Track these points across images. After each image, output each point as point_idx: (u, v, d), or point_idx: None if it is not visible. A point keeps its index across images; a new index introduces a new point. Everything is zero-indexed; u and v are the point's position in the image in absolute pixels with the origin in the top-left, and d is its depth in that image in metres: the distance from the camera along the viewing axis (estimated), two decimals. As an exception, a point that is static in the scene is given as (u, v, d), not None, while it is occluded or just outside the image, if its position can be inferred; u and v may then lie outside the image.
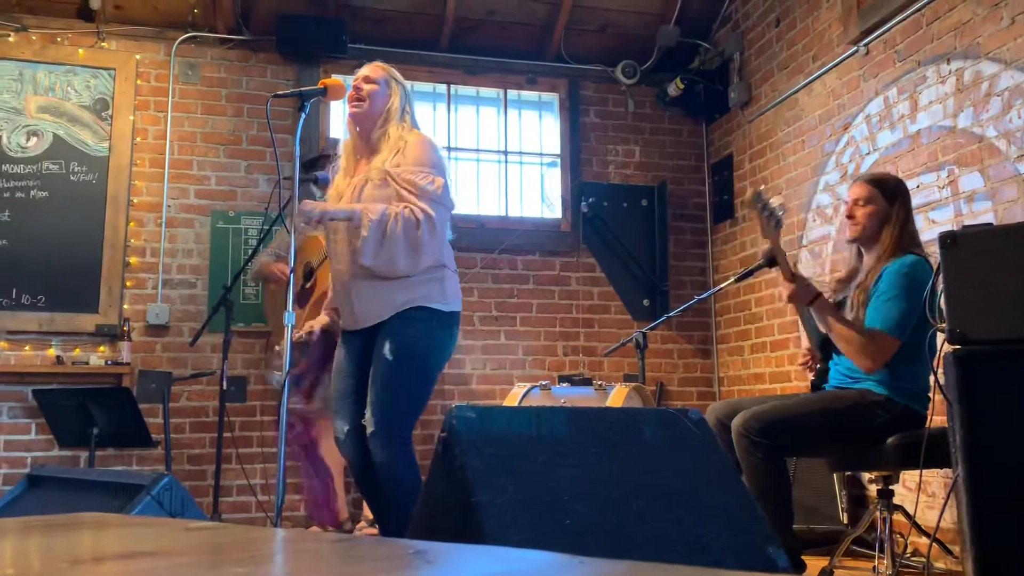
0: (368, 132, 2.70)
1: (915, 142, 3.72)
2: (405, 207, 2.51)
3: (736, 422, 2.63)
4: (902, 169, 3.77)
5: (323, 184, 4.61)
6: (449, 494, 1.74)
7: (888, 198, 2.81)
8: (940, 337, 2.10)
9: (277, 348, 3.19)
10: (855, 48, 4.11)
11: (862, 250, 2.90)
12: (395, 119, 2.68)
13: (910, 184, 3.71)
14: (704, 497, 1.81)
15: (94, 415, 3.57)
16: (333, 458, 4.06)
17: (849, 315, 2.74)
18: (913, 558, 3.25)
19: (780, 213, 2.67)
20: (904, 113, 3.79)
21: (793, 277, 2.70)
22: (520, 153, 5.40)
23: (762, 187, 2.68)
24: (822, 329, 2.76)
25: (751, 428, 2.58)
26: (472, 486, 1.63)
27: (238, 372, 4.62)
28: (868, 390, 2.67)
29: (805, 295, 2.69)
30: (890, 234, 2.77)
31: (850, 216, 2.87)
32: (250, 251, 4.61)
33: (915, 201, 3.67)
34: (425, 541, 0.89)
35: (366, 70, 2.75)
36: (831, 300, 2.89)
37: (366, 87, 2.68)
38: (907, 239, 2.77)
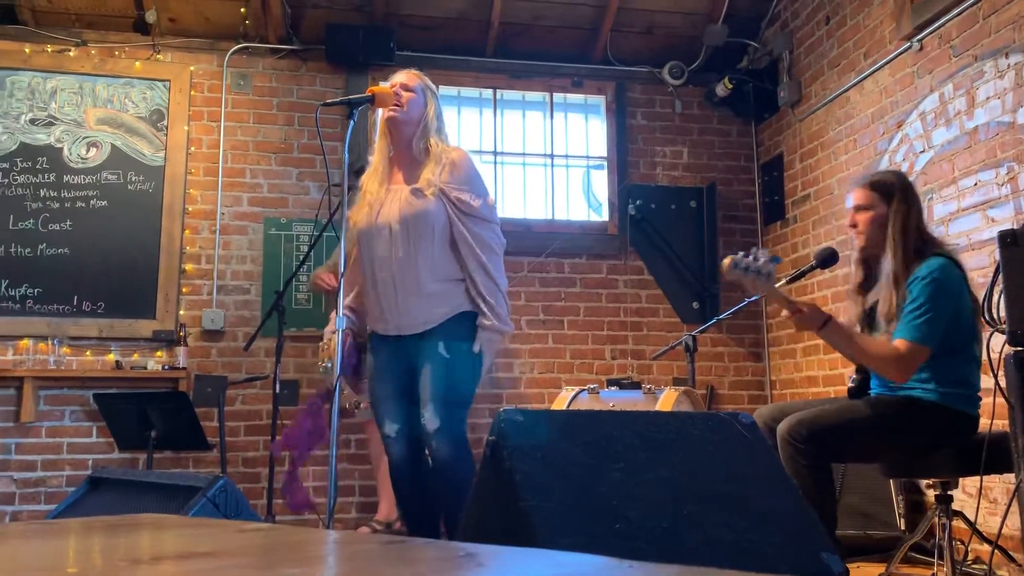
0: (407, 140, 2.75)
1: (972, 139, 3.63)
2: (482, 269, 2.66)
3: (782, 428, 2.57)
4: (959, 167, 3.68)
5: None
6: (498, 497, 1.74)
7: (886, 200, 2.69)
8: (998, 339, 2.05)
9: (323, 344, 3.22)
10: (908, 44, 4.03)
11: (870, 261, 2.78)
12: (433, 129, 2.75)
13: (968, 181, 3.62)
14: (756, 502, 1.79)
15: (152, 419, 3.65)
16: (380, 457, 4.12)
17: (883, 325, 2.66)
18: (974, 565, 3.17)
19: (768, 268, 2.55)
20: (960, 109, 3.70)
21: (797, 307, 2.57)
22: (566, 156, 5.40)
23: (736, 254, 2.60)
24: (841, 351, 2.67)
25: (796, 435, 2.52)
26: (521, 489, 1.64)
27: (291, 376, 4.69)
28: (917, 397, 2.58)
29: (814, 320, 2.56)
30: (895, 237, 2.65)
31: (853, 225, 2.77)
32: (302, 257, 4.68)
33: (973, 199, 3.58)
34: (475, 544, 0.89)
35: (402, 77, 2.79)
36: (860, 311, 2.80)
37: (405, 94, 2.72)
38: (917, 238, 2.65)
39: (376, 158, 2.81)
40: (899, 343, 2.53)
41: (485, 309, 2.64)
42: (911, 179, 3.95)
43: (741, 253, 2.56)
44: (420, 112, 2.74)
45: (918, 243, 2.65)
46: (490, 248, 2.69)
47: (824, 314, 2.57)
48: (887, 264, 2.66)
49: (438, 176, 2.66)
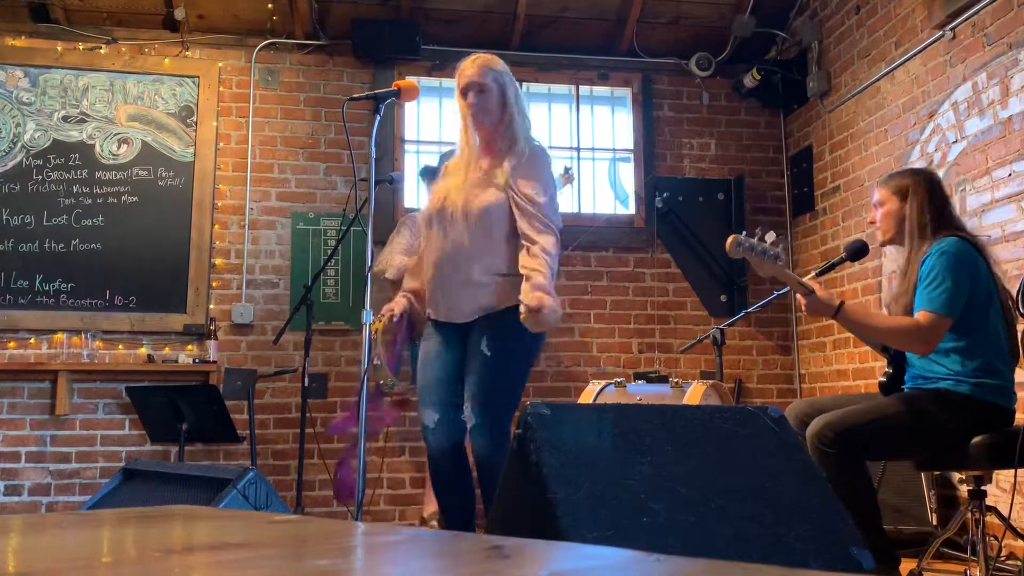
0: (490, 135, 2.74)
1: (1007, 128, 3.57)
2: (541, 254, 2.57)
3: (810, 431, 2.54)
4: (993, 157, 3.62)
5: (398, 183, 4.66)
6: (525, 491, 1.74)
7: (901, 197, 2.73)
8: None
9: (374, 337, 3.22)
10: (940, 33, 3.96)
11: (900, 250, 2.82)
12: (515, 115, 2.72)
13: (1002, 172, 3.56)
14: (785, 495, 1.78)
15: (183, 411, 3.70)
16: None
17: (894, 309, 2.65)
18: (1008, 561, 3.13)
19: (775, 249, 2.54)
20: (994, 99, 3.64)
21: (808, 291, 2.55)
22: (592, 149, 5.38)
23: (739, 234, 2.58)
24: (860, 336, 2.66)
25: (824, 438, 2.49)
26: (548, 483, 1.64)
27: (319, 369, 4.73)
28: (947, 390, 2.53)
29: (826, 307, 2.54)
30: (910, 228, 2.68)
31: (872, 221, 2.86)
32: (329, 251, 4.71)
33: (1008, 190, 3.52)
34: (502, 536, 0.89)
35: (473, 74, 2.73)
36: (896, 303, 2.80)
37: (477, 100, 2.69)
38: (932, 226, 2.65)
39: (458, 156, 2.81)
40: (920, 315, 2.52)
41: (531, 274, 2.53)
42: (943, 170, 3.91)
43: (744, 233, 2.57)
44: (497, 103, 2.72)
45: (932, 230, 2.65)
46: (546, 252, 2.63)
47: (835, 300, 2.55)
48: (906, 252, 2.69)
49: (511, 169, 2.66)
